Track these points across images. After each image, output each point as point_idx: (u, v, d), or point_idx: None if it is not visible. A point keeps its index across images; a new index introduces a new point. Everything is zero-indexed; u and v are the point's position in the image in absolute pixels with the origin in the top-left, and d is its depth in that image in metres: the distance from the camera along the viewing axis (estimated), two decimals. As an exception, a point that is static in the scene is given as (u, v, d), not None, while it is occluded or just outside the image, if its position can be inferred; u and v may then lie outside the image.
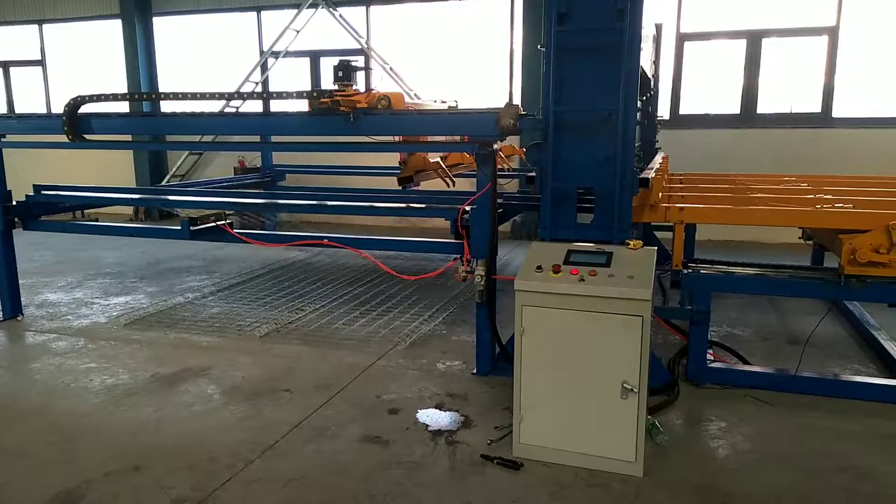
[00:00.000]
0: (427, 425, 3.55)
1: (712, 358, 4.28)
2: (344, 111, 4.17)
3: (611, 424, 3.05)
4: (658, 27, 6.56)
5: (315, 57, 10.57)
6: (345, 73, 4.31)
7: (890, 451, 3.25)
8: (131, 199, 6.90)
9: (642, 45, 4.06)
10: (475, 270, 4.05)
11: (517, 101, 9.18)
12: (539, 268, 3.18)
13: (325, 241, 4.58)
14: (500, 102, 4.00)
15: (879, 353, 4.51)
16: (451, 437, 3.41)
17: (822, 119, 8.45)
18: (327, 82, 4.52)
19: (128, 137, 6.03)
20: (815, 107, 8.50)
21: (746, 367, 4.25)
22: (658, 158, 6.12)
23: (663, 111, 8.59)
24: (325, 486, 2.97)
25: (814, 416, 3.65)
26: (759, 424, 3.56)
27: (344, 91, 4.24)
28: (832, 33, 8.25)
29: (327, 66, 10.45)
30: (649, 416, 3.44)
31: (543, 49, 3.74)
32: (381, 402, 3.84)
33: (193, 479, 3.03)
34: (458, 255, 4.17)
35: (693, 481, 2.99)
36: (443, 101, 5.86)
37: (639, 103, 5.12)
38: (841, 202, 4.33)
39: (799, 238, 5.72)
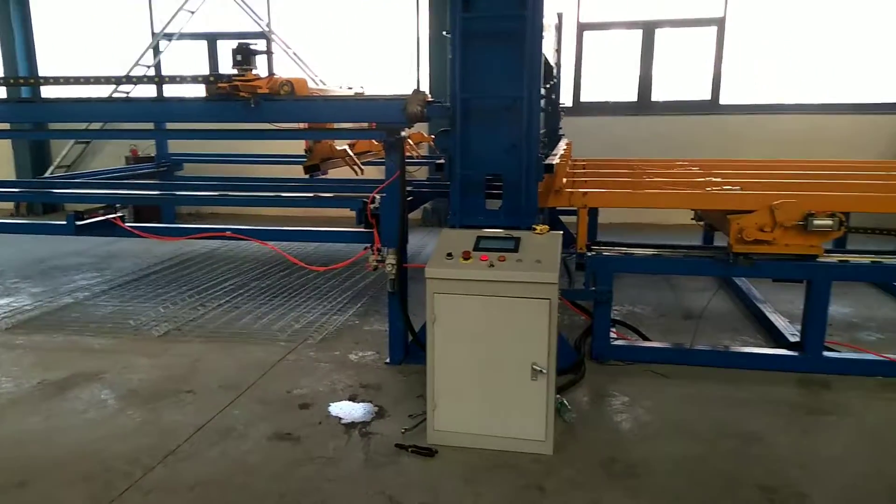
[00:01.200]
0: (340, 418, 3.49)
1: (615, 336, 4.46)
2: (244, 97, 4.00)
3: (522, 406, 3.11)
4: (559, 16, 6.71)
5: (212, 40, 10.09)
6: (244, 56, 4.12)
7: (775, 415, 3.51)
8: (10, 192, 6.35)
9: (544, 34, 4.13)
10: (386, 259, 4.01)
11: (425, 87, 9.15)
12: (449, 255, 3.19)
13: (228, 233, 4.39)
14: (409, 89, 3.96)
15: (765, 325, 4.85)
16: (365, 428, 3.38)
17: (711, 106, 8.96)
18: (227, 67, 4.31)
19: (6, 126, 5.53)
20: (705, 94, 8.99)
21: (646, 343, 4.46)
22: (562, 145, 6.28)
23: (566, 98, 8.83)
24: (232, 489, 2.87)
25: (708, 386, 3.88)
26: (659, 396, 3.75)
27: (243, 76, 4.06)
28: (720, 24, 8.75)
29: (226, 49, 10.03)
30: (558, 396, 3.54)
31: (449, 35, 3.73)
32: (291, 398, 3.74)
33: (88, 492, 2.84)
34: (369, 245, 4.11)
35: (600, 455, 3.11)
36: (349, 88, 5.75)
37: (543, 91, 5.23)
38: (729, 185, 4.60)
39: (691, 219, 6.06)
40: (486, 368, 3.12)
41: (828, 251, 4.17)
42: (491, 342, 3.10)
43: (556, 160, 4.37)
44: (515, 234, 3.31)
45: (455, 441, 3.18)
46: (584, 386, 3.91)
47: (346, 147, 5.31)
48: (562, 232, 3.36)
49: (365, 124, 4.63)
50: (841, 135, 8.56)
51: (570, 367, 4.06)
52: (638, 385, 3.91)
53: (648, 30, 8.96)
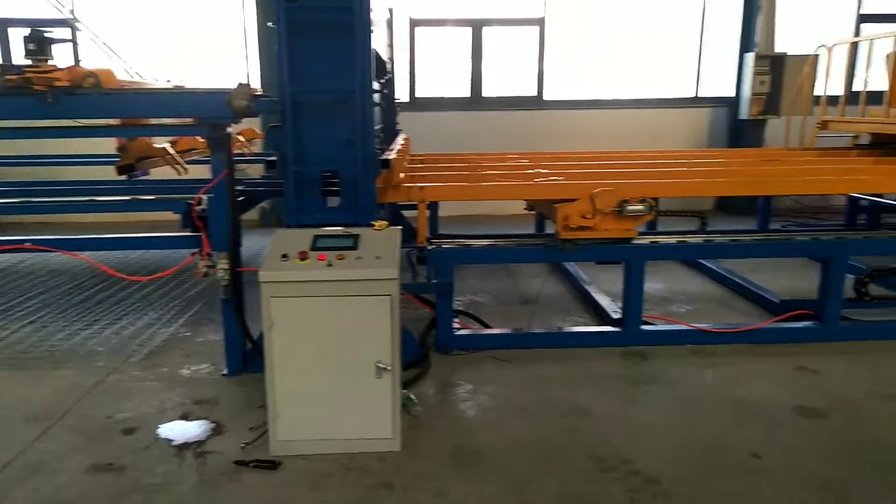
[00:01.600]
0: (171, 440, 3.22)
1: (458, 326, 4.56)
2: (39, 90, 3.54)
3: (368, 405, 3.07)
4: (390, 11, 6.71)
5: (2, 27, 8.88)
6: (38, 45, 3.64)
7: (602, 390, 3.78)
8: None
9: (375, 28, 4.09)
10: (217, 265, 3.76)
11: (256, 81, 8.74)
12: (285, 256, 3.05)
13: (27, 244, 3.87)
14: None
15: (592, 304, 5.22)
16: (200, 447, 3.15)
17: (537, 102, 9.48)
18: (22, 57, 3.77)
19: None
20: (532, 91, 9.49)
21: (488, 331, 4.62)
22: (399, 140, 6.30)
23: (402, 94, 8.88)
24: (45, 533, 2.54)
25: (544, 367, 4.09)
26: (500, 381, 3.89)
27: (38, 67, 3.59)
28: (541, 24, 9.26)
29: (19, 37, 8.86)
30: (404, 391, 3.55)
31: (275, 26, 3.57)
32: (113, 424, 3.38)
33: None
34: (197, 250, 3.83)
35: (447, 445, 3.16)
36: (167, 81, 5.32)
37: (377, 85, 5.20)
38: (554, 176, 4.88)
39: (523, 209, 6.36)
40: (330, 371, 3.04)
41: (642, 234, 4.57)
42: (333, 344, 3.02)
43: (392, 155, 4.36)
44: (354, 231, 3.25)
45: (301, 449, 3.07)
46: (431, 378, 3.95)
47: (167, 145, 4.91)
48: (401, 227, 3.35)
49: (189, 120, 4.31)
50: (651, 127, 9.46)
51: (416, 360, 4.08)
52: (481, 372, 4.02)
53: (477, 27, 9.27)
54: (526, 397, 3.69)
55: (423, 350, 4.23)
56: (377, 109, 5.49)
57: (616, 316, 4.64)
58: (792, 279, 5.78)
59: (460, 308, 5.17)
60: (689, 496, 2.75)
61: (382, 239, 3.19)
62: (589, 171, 5.23)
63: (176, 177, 5.14)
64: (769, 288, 5.34)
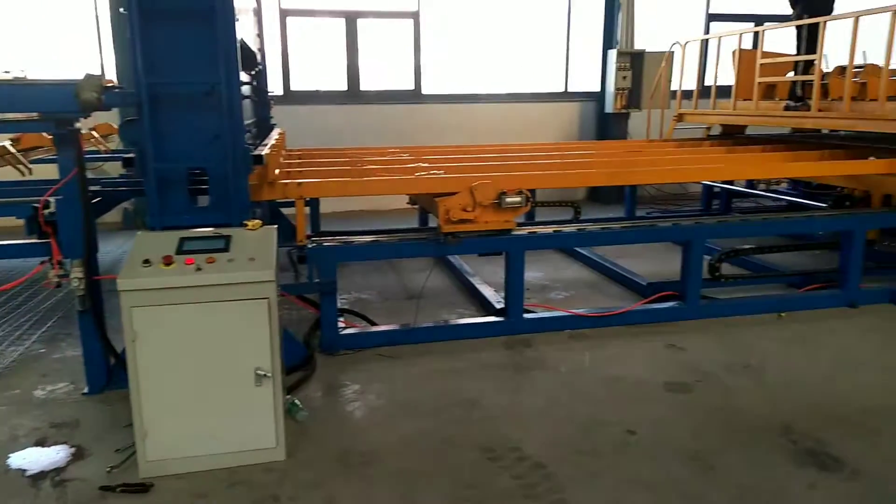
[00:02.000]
0: (25, 470, 2.89)
1: (344, 325, 4.46)
2: None
3: (248, 415, 2.91)
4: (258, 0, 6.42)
5: None
6: None
7: (490, 379, 3.83)
8: None
9: (241, 16, 3.88)
10: (70, 273, 3.41)
11: (112, 72, 8.07)
12: (147, 262, 2.82)
13: None
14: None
15: (476, 296, 5.29)
16: (60, 475, 2.85)
17: (415, 95, 9.49)
18: None
19: None
20: (409, 84, 9.48)
21: (374, 328, 4.55)
22: (274, 134, 6.05)
23: (276, 87, 8.55)
24: None
25: (432, 361, 4.09)
26: (388, 379, 3.84)
27: None
28: (415, 17, 9.26)
29: None
30: (289, 396, 3.41)
31: (126, 12, 3.27)
32: (-49, 458, 2.99)
33: None
34: (46, 258, 3.46)
35: (335, 449, 3.06)
36: (6, 72, 4.76)
37: (246, 77, 4.95)
38: (435, 170, 4.89)
39: (407, 203, 6.34)
40: (205, 382, 2.85)
41: (521, 224, 4.68)
42: (207, 353, 2.83)
43: (266, 150, 4.16)
44: (225, 231, 3.06)
45: (176, 468, 2.86)
46: (316, 381, 3.83)
47: (7, 143, 4.40)
48: (276, 226, 3.19)
49: (33, 115, 3.87)
50: (526, 121, 9.76)
51: (301, 363, 3.94)
52: (368, 371, 3.95)
53: (351, 19, 9.11)
54: (414, 393, 3.67)
55: (307, 352, 4.09)
56: (247, 103, 5.24)
57: (500, 306, 4.73)
58: (657, 262, 6.18)
59: (345, 307, 5.06)
60: (572, 475, 2.84)
61: (256, 239, 3.03)
62: (468, 164, 5.29)
63: (19, 178, 4.62)
64: (637, 272, 5.67)
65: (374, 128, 9.14)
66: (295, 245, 4.29)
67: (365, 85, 9.37)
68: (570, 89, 10.08)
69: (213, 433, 2.90)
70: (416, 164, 5.28)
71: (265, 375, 2.88)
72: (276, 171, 4.29)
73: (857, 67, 5.89)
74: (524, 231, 4.55)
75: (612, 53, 9.52)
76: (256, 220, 3.16)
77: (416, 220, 7.26)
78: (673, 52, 8.07)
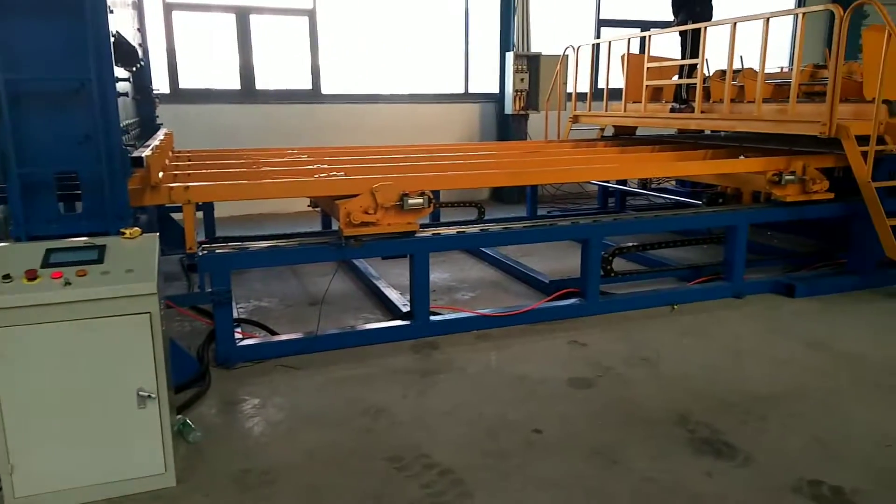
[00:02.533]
0: None
1: (241, 336, 4.23)
2: None
3: (132, 440, 2.67)
4: (138, -9, 6.01)
5: None
6: None
7: (397, 384, 3.74)
8: None
9: (115, 9, 3.59)
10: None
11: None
12: (7, 277, 2.52)
13: None
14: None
15: (383, 299, 5.18)
16: None
17: (314, 95, 9.23)
18: None
19: None
20: (307, 84, 9.21)
21: (275, 338, 4.34)
22: (160, 135, 5.67)
23: (162, 84, 8.06)
24: None
25: (337, 369, 3.95)
26: (291, 391, 3.67)
27: None
28: (311, 15, 9.01)
29: None
30: (180, 416, 3.17)
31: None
32: None
33: None
34: None
35: (232, 470, 2.87)
36: None
37: (124, 73, 4.60)
38: (335, 171, 4.74)
39: (308, 206, 6.14)
40: (80, 407, 2.58)
41: (424, 226, 4.62)
42: (81, 375, 2.56)
43: (147, 152, 3.87)
44: (99, 241, 2.79)
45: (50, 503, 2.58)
46: (211, 397, 3.59)
47: None
48: (157, 233, 2.95)
49: None
50: (427, 121, 9.74)
51: (193, 379, 3.69)
52: (269, 384, 3.76)
53: (242, 15, 8.73)
54: (318, 404, 3.52)
55: (200, 367, 3.83)
56: (127, 101, 4.89)
57: (406, 309, 4.65)
58: (559, 260, 6.32)
59: (243, 316, 4.82)
60: (480, 479, 2.80)
61: (135, 249, 2.78)
62: (370, 165, 5.18)
63: None
64: (540, 270, 5.76)
65: (272, 128, 8.82)
66: (185, 253, 4.02)
67: (260, 84, 9.01)
68: (470, 90, 10.17)
69: (93, 462, 2.64)
70: (315, 166, 5.10)
71: (149, 396, 2.65)
72: (161, 174, 4.00)
73: (735, 71, 6.27)
74: (428, 233, 4.49)
75: (510, 56, 9.67)
76: (136, 228, 2.90)
77: (318, 223, 7.05)
78: (567, 55, 8.31)
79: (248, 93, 8.94)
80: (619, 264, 5.32)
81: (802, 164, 5.28)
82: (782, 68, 10.07)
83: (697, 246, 6.03)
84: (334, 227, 5.85)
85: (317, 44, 9.11)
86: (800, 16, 5.40)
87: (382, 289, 5.27)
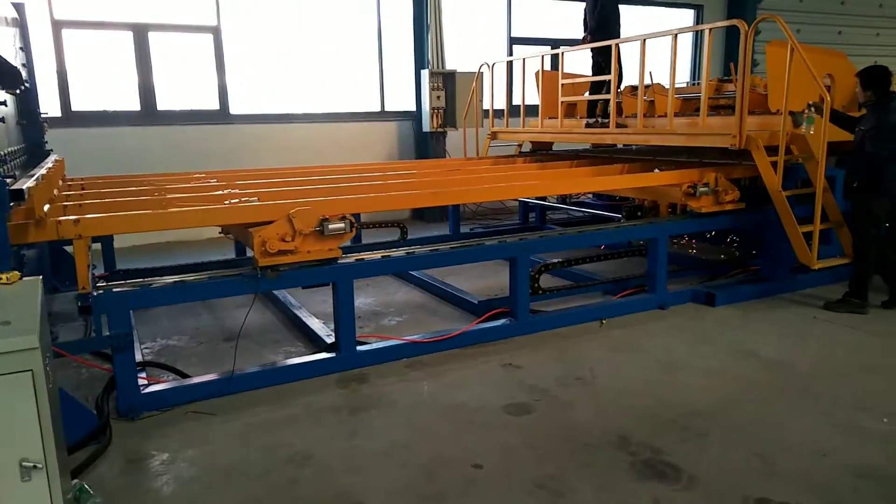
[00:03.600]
0: None
1: (146, 381, 3.84)
2: None
3: (15, 521, 2.28)
4: (18, 8, 5.48)
5: None
6: None
7: (323, 425, 3.47)
8: None
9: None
10: None
11: None
12: None
13: None
14: None
15: (305, 330, 4.88)
16: None
17: (222, 115, 8.79)
18: None
19: None
20: (214, 104, 8.76)
21: (186, 381, 3.95)
22: (48, 162, 5.16)
23: (51, 107, 7.42)
24: None
25: (257, 412, 3.63)
26: (205, 441, 3.32)
27: None
28: (216, 32, 8.60)
29: None
30: (76, 481, 2.77)
31: None
32: None
33: None
34: None
35: (139, 543, 2.53)
36: None
37: (5, 97, 4.14)
38: (248, 196, 4.43)
39: (219, 233, 5.74)
40: (-55, 488, 2.18)
41: (346, 250, 4.38)
42: (-54, 449, 2.17)
43: (30, 182, 3.44)
44: (-33, 289, 2.39)
45: None
46: (112, 455, 3.20)
47: None
48: (40, 277, 2.58)
49: None
50: (344, 141, 9.47)
51: (91, 435, 3.28)
52: (179, 435, 3.40)
53: (140, 32, 8.21)
54: (237, 455, 3.20)
55: (99, 421, 3.42)
56: (9, 127, 4.40)
57: (330, 340, 4.38)
58: (486, 278, 6.21)
59: (148, 358, 4.40)
60: (423, 528, 2.59)
61: (13, 296, 2.40)
62: (285, 189, 4.89)
63: None
64: (468, 290, 5.63)
65: (176, 151, 8.31)
66: (78, 293, 3.60)
67: (163, 104, 8.49)
68: (387, 109, 10.00)
69: (-35, 552, 2.23)
70: (226, 191, 4.76)
71: (34, 467, 2.27)
72: (47, 207, 3.57)
73: (646, 86, 6.41)
74: (351, 258, 4.25)
75: (425, 73, 9.59)
76: (14, 272, 2.52)
77: (232, 250, 6.64)
78: (482, 72, 8.30)
79: (149, 114, 8.40)
80: (546, 281, 5.26)
81: (714, 176, 5.43)
82: (688, 83, 10.50)
83: (619, 259, 6.08)
84: (250, 253, 5.51)
85: (223, 62, 8.69)
86: (706, 31, 5.57)
87: (304, 319, 4.98)
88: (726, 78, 7.94)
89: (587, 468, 2.99)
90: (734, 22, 5.23)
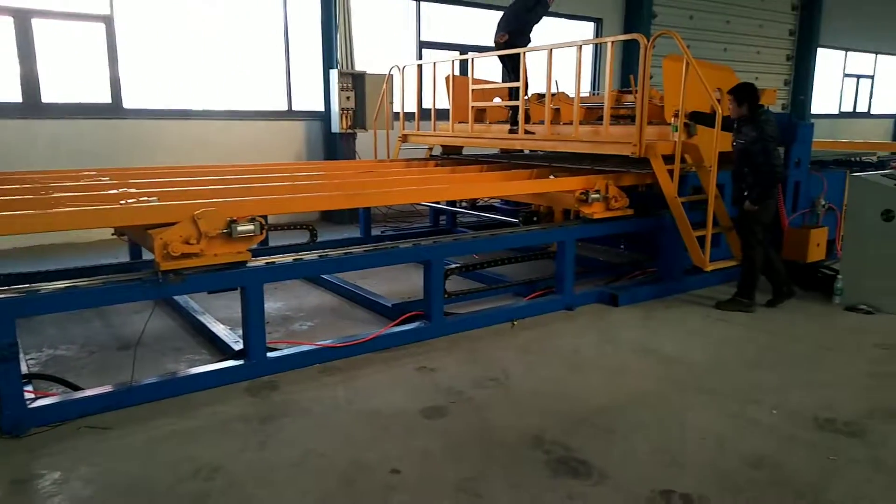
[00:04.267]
0: None
1: (34, 395, 3.53)
2: None
3: None
4: None
5: None
6: None
7: (231, 436, 3.33)
8: None
9: None
10: None
11: None
12: None
13: None
14: None
15: (210, 337, 4.66)
16: None
17: (114, 110, 8.25)
18: None
19: None
20: (106, 97, 8.21)
21: (78, 394, 3.66)
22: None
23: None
24: None
25: (159, 425, 3.43)
26: (100, 458, 3.10)
27: None
28: (108, 22, 8.06)
29: None
30: (-50, 511, 2.51)
31: None
32: None
33: None
34: None
35: (27, 573, 2.32)
36: None
37: None
38: (146, 196, 4.18)
39: (113, 234, 5.39)
40: None
41: (255, 253, 4.23)
42: None
43: None
44: None
45: None
46: (-5, 478, 2.92)
47: None
48: None
49: None
50: (249, 140, 9.14)
51: (-32, 458, 2.98)
52: (73, 451, 3.15)
53: (22, 18, 7.57)
54: (138, 470, 3.00)
55: (-20, 442, 3.11)
56: None
57: (238, 347, 4.21)
58: (399, 281, 6.19)
59: (35, 370, 4.06)
60: (342, 538, 2.53)
61: None
62: (188, 189, 4.65)
63: None
64: (381, 293, 5.58)
65: (63, 147, 7.72)
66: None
67: (48, 96, 7.86)
68: (294, 108, 9.75)
69: None
70: (120, 190, 4.47)
71: None
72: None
73: (553, 94, 6.61)
74: (261, 262, 4.10)
75: (334, 73, 9.44)
76: None
77: (126, 253, 6.25)
78: (392, 74, 8.27)
79: (32, 106, 7.75)
80: (459, 283, 5.31)
81: (605, 183, 5.58)
82: (590, 93, 10.95)
83: (527, 261, 6.24)
84: (148, 256, 5.20)
85: (116, 53, 8.16)
86: (609, 44, 5.83)
87: (209, 325, 4.75)
88: (625, 89, 8.34)
89: (504, 469, 3.04)
90: (635, 36, 5.50)
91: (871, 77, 18.60)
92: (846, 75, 18.03)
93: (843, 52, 17.55)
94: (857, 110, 18.65)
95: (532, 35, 7.40)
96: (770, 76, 15.36)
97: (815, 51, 16.08)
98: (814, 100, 16.52)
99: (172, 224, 3.72)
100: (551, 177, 5.89)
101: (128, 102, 8.36)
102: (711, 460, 3.13)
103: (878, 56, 18.55)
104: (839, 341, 4.77)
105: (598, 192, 5.54)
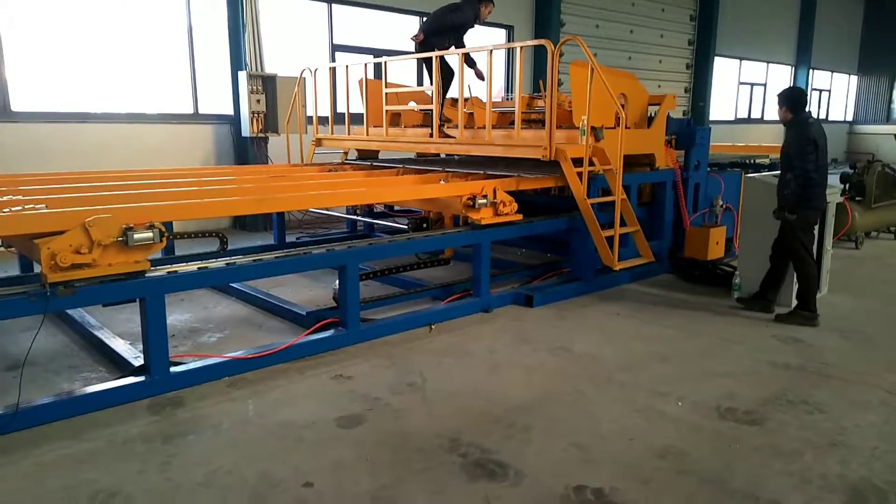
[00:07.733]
0: None
1: None
2: None
3: None
4: None
5: None
6: None
7: (131, 458, 3.12)
8: None
9: None
10: None
11: None
12: None
13: None
14: None
15: (107, 352, 4.37)
16: None
17: (2, 112, 7.65)
18: None
19: None
20: (-8, 99, 7.61)
21: (-44, 422, 3.34)
22: None
23: None
24: None
25: (50, 449, 3.18)
26: (-18, 491, 2.83)
27: None
28: (-8, 17, 7.48)
29: None
30: None
31: None
32: None
33: None
34: None
35: None
36: None
37: None
38: (34, 203, 3.88)
39: (0, 247, 4.97)
40: None
41: (156, 263, 4.00)
42: None
43: None
44: None
45: None
46: None
47: None
48: None
49: None
50: (150, 143, 8.69)
51: None
52: (-54, 485, 2.86)
53: None
54: (27, 499, 2.78)
55: None
56: None
57: (139, 362, 3.96)
58: (312, 288, 6.04)
59: None
60: (251, 558, 2.41)
61: None
62: (81, 195, 4.36)
63: None
64: (295, 301, 5.43)
65: (-60, 152, 7.08)
66: None
67: (-80, 97, 7.20)
68: (200, 111, 9.36)
69: None
70: (6, 198, 4.13)
71: None
72: None
73: (466, 99, 6.66)
74: (162, 271, 3.88)
75: (243, 76, 9.13)
76: None
77: (15, 266, 5.79)
78: (305, 77, 8.10)
79: None
80: (376, 289, 5.23)
81: (493, 188, 5.42)
82: (502, 97, 11.13)
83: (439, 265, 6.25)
84: (39, 268, 4.82)
85: (1, 52, 7.57)
86: (518, 49, 5.93)
87: (106, 340, 4.46)
88: (536, 94, 8.52)
89: (420, 475, 2.99)
90: (542, 42, 5.62)
91: (764, 85, 19.92)
92: (741, 83, 19.23)
93: (738, 62, 18.71)
94: (752, 116, 19.93)
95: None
96: (672, 84, 16.14)
97: (713, 60, 17.03)
98: (712, 106, 17.50)
99: (61, 232, 3.46)
100: (442, 181, 5.85)
101: (16, 104, 7.76)
102: (622, 453, 3.20)
103: (770, 65, 19.90)
104: (739, 334, 5.03)
105: (485, 197, 5.34)
